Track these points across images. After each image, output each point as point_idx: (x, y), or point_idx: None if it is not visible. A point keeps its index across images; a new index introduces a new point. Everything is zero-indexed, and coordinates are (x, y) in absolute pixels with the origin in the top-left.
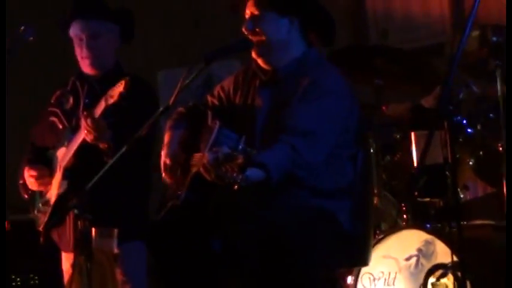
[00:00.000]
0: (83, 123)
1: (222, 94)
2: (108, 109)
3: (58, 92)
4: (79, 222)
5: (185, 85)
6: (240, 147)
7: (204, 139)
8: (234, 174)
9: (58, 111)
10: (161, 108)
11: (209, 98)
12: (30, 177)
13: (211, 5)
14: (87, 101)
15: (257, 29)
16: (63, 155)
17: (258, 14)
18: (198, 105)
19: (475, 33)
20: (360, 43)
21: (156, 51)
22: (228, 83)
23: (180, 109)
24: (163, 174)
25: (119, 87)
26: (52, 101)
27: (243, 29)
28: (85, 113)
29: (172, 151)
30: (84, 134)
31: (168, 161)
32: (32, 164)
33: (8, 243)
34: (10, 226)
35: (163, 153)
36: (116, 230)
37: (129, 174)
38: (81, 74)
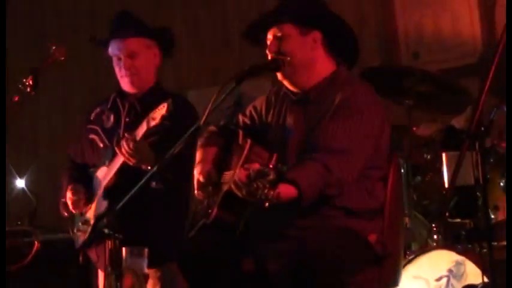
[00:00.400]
0: (123, 146)
1: (254, 114)
2: (150, 131)
3: (98, 109)
4: (109, 242)
5: (216, 105)
6: (272, 164)
7: (235, 157)
8: (266, 191)
9: (98, 128)
10: (192, 128)
11: (241, 118)
12: (68, 199)
13: (241, 25)
14: (127, 120)
15: (282, 50)
16: (105, 174)
17: (280, 35)
18: (230, 124)
19: None
20: (391, 64)
21: (187, 71)
22: (260, 102)
23: (212, 127)
24: (196, 192)
25: (161, 110)
26: (91, 118)
27: (268, 52)
28: (126, 136)
29: (205, 169)
30: (125, 158)
31: (201, 179)
32: (75, 184)
33: (37, 262)
34: (40, 246)
35: (196, 170)
36: (146, 250)
37: (164, 194)
38: (121, 92)
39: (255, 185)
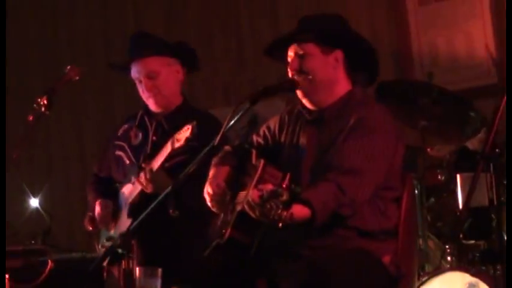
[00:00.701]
0: (141, 176)
1: (267, 134)
2: (174, 152)
3: (126, 126)
4: (123, 262)
5: (230, 125)
6: (285, 184)
7: (249, 177)
8: (279, 211)
9: (125, 145)
10: (206, 148)
11: (255, 138)
12: (97, 214)
13: (256, 45)
14: (154, 138)
15: (304, 68)
16: (130, 192)
17: (303, 53)
18: (244, 144)
19: None
20: (407, 79)
21: (201, 91)
22: (273, 122)
23: (226, 147)
24: (210, 204)
25: (186, 132)
26: (119, 135)
27: (289, 69)
28: (143, 166)
29: (216, 183)
30: (142, 187)
31: (211, 190)
32: (104, 199)
33: (51, 281)
34: (54, 265)
35: (207, 184)
36: (160, 270)
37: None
38: (148, 109)
39: (268, 206)
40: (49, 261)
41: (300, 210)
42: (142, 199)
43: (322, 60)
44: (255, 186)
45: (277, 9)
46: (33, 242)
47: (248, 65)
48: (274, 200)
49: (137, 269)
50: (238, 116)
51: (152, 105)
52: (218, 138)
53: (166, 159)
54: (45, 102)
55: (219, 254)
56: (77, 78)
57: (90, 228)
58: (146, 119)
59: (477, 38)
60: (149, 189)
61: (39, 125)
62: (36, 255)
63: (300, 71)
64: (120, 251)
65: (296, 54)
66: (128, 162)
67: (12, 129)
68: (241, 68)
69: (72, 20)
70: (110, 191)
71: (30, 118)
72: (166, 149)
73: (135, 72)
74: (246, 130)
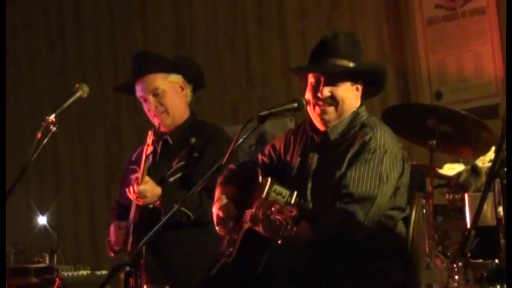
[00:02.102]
0: (130, 190)
1: (272, 153)
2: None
3: (139, 149)
4: (131, 280)
5: (238, 144)
6: (293, 201)
7: (255, 196)
8: (288, 227)
9: (137, 168)
10: (214, 167)
11: (260, 156)
12: (112, 235)
13: (264, 64)
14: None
15: (335, 96)
16: (132, 210)
17: (335, 81)
18: (249, 162)
19: None
20: (414, 102)
21: (209, 110)
22: (278, 142)
23: (231, 166)
24: (217, 227)
25: (150, 136)
26: (133, 159)
27: (317, 93)
28: (132, 178)
29: (224, 204)
30: (134, 201)
31: (220, 214)
32: (119, 221)
33: None
34: (61, 282)
35: (215, 206)
36: None
37: (185, 232)
38: (156, 129)
39: (277, 222)
40: (57, 279)
41: (305, 227)
42: (141, 217)
43: (350, 90)
44: (263, 203)
45: (286, 29)
46: (41, 259)
47: (256, 84)
48: (283, 216)
49: (145, 286)
50: (246, 134)
51: (158, 123)
52: (226, 156)
53: (170, 174)
54: (54, 119)
55: (226, 273)
56: (85, 96)
57: (112, 254)
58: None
59: (485, 57)
60: (140, 202)
61: (48, 143)
62: (44, 273)
63: (331, 97)
64: (128, 268)
65: (326, 79)
66: None
67: (21, 147)
68: (250, 87)
69: (80, 39)
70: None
71: (39, 136)
72: (143, 159)
73: (139, 91)
74: (254, 149)
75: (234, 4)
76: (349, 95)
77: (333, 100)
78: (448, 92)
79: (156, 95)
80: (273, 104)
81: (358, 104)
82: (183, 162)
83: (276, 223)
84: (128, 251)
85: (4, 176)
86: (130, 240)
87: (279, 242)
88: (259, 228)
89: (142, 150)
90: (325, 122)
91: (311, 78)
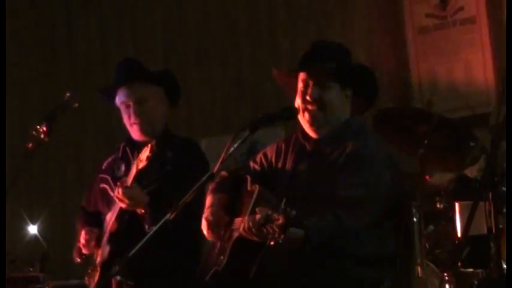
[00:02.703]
0: (116, 192)
1: (264, 161)
2: (147, 173)
3: (110, 159)
4: None
5: (229, 153)
6: (280, 209)
7: (245, 203)
8: (276, 235)
9: (108, 178)
10: (205, 176)
11: (251, 164)
12: (82, 239)
13: (255, 73)
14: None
15: (324, 100)
16: (109, 218)
17: (323, 84)
18: (240, 169)
19: None
20: (406, 107)
21: (199, 119)
22: (270, 150)
23: (223, 173)
24: (206, 233)
25: (146, 152)
26: (103, 168)
27: (306, 96)
28: (118, 183)
29: (215, 211)
30: (118, 201)
31: (210, 218)
32: (89, 227)
33: None
34: None
35: (205, 214)
36: None
37: (174, 240)
38: (131, 140)
39: (264, 230)
40: None
41: (294, 231)
42: (119, 225)
43: (339, 94)
44: (251, 212)
45: (276, 38)
46: (31, 268)
47: (247, 93)
48: (270, 224)
49: None
50: (237, 143)
51: (136, 133)
52: (217, 166)
53: (143, 187)
54: (45, 129)
55: (217, 281)
56: (76, 105)
57: (78, 260)
58: (128, 150)
59: (476, 66)
60: (124, 205)
61: (38, 152)
62: (34, 282)
63: (319, 100)
64: (118, 278)
65: (316, 83)
66: (112, 194)
67: (11, 155)
68: (240, 96)
69: (71, 48)
70: (97, 220)
71: (29, 145)
72: (132, 173)
73: (123, 96)
74: (244, 158)
75: (225, 13)
76: (338, 100)
77: (322, 103)
78: (438, 101)
79: (140, 102)
80: (264, 113)
81: (349, 113)
82: (157, 175)
83: (264, 231)
84: (103, 260)
85: (4, 177)
86: (108, 249)
87: (272, 243)
88: (249, 236)
89: (113, 160)
90: (315, 128)
91: (300, 83)
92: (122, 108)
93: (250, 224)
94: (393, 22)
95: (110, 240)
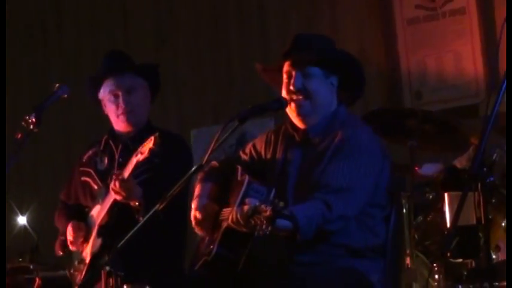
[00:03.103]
0: (112, 183)
1: (253, 152)
2: (139, 166)
3: (90, 152)
4: (111, 280)
5: (219, 144)
6: (269, 200)
7: (234, 193)
8: (264, 227)
9: (91, 171)
10: (194, 167)
11: (241, 154)
12: (69, 235)
13: (245, 64)
14: (121, 160)
15: (307, 88)
16: (98, 212)
17: (306, 73)
18: (230, 160)
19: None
20: (393, 105)
21: (189, 110)
22: (259, 141)
23: (213, 163)
24: (195, 227)
25: (149, 144)
26: (84, 161)
27: (290, 87)
28: (114, 175)
29: (203, 204)
30: (113, 194)
31: (198, 215)
32: (76, 221)
33: None
34: (41, 282)
35: (193, 206)
36: (147, 287)
37: (163, 231)
38: (113, 133)
39: (252, 222)
40: (36, 278)
41: (283, 223)
42: (111, 218)
43: (324, 82)
44: (240, 203)
45: (266, 29)
46: (20, 259)
47: (237, 84)
48: (258, 216)
49: (125, 286)
50: (227, 134)
51: (121, 124)
52: (206, 156)
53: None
54: (34, 120)
55: (206, 271)
56: (66, 96)
57: (61, 252)
58: (111, 142)
59: (466, 57)
60: (119, 197)
61: (28, 143)
62: (23, 273)
63: (303, 89)
64: (108, 268)
65: (300, 72)
66: (95, 187)
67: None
68: (230, 87)
69: (61, 39)
70: (80, 216)
71: (19, 136)
72: (131, 164)
73: (112, 85)
74: (234, 148)
75: (215, 4)
76: (323, 88)
77: (306, 92)
78: (428, 92)
79: (129, 92)
80: (253, 104)
81: (335, 101)
82: (144, 167)
83: (251, 223)
84: (108, 251)
85: (4, 175)
86: (100, 243)
87: (260, 233)
88: (237, 227)
89: (94, 153)
90: (302, 117)
91: (284, 75)
92: (108, 99)
93: (238, 215)
94: (382, 13)
95: (101, 233)
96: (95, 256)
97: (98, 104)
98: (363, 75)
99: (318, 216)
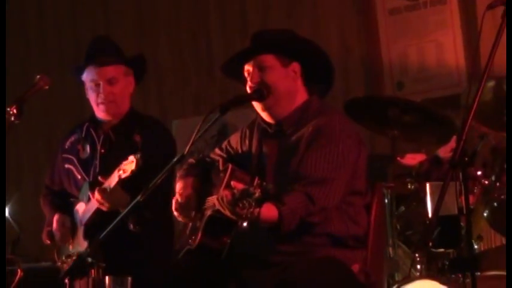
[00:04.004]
0: (95, 195)
1: (229, 148)
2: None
3: (72, 138)
4: (93, 271)
5: (200, 135)
6: (256, 183)
7: (216, 185)
8: (251, 209)
9: (74, 159)
10: (176, 157)
11: (218, 151)
12: (56, 230)
13: (226, 55)
14: (103, 151)
15: (264, 81)
16: (83, 211)
17: (263, 65)
18: (207, 156)
19: (490, 83)
20: (375, 94)
21: (171, 100)
22: (234, 137)
23: (190, 160)
24: (175, 213)
25: (131, 165)
26: (66, 147)
27: (249, 83)
28: (97, 189)
29: (185, 193)
30: (99, 205)
31: (179, 199)
32: (62, 215)
33: None
34: (23, 274)
35: (176, 196)
36: (129, 279)
37: (148, 223)
38: (95, 120)
39: (240, 204)
40: (18, 270)
41: (268, 211)
42: (98, 218)
43: (282, 72)
44: (226, 187)
45: (247, 20)
46: None
47: (218, 75)
48: (247, 198)
49: (107, 278)
50: (208, 125)
51: (102, 112)
52: (188, 147)
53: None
54: (15, 111)
55: (189, 260)
56: (47, 87)
57: (49, 242)
58: (92, 131)
59: (447, 47)
60: (106, 208)
61: (9, 135)
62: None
63: (261, 83)
64: (89, 260)
65: (256, 67)
66: (79, 176)
67: None
68: (212, 78)
69: (42, 30)
70: (65, 204)
71: None
72: (114, 179)
73: (93, 74)
74: (216, 139)
75: None
76: (282, 77)
77: (264, 84)
78: (409, 82)
79: (110, 83)
80: (235, 95)
81: (302, 90)
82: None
83: (239, 205)
84: (90, 243)
85: (4, 176)
86: (87, 244)
87: (245, 224)
88: (223, 210)
89: (76, 140)
90: (267, 111)
91: (245, 74)
92: (90, 86)
93: (225, 199)
94: (364, 3)
95: (88, 235)
96: (80, 257)
97: (82, 84)
98: (329, 62)
99: (301, 209)
